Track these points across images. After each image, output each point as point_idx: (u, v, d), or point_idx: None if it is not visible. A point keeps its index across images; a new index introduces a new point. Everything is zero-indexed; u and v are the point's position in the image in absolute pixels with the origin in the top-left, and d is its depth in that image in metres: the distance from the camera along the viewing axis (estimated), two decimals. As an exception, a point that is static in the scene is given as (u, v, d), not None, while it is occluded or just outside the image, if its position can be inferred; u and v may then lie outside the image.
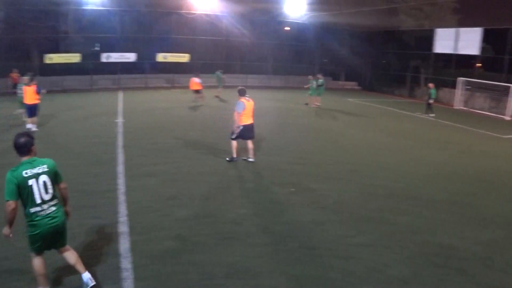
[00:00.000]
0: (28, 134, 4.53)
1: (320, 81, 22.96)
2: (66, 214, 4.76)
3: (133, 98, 22.77)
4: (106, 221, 6.64)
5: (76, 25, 28.85)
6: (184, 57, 29.23)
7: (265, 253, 5.89)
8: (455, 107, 28.29)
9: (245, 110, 10.01)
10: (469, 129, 19.17)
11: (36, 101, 13.40)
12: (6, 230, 4.34)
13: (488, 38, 27.92)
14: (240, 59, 33.29)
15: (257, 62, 33.49)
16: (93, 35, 27.34)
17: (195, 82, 21.26)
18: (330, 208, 7.75)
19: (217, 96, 24.01)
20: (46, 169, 4.44)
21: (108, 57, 26.80)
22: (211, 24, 30.02)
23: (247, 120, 10.18)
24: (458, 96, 28.72)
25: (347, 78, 37.85)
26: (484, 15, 25.31)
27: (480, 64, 30.65)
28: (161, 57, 28.33)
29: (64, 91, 25.07)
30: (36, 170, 4.37)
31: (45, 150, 10.79)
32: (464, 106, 28.45)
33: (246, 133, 10.26)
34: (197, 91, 21.22)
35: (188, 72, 30.08)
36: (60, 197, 4.69)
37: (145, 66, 28.75)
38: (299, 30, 34.12)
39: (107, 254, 5.63)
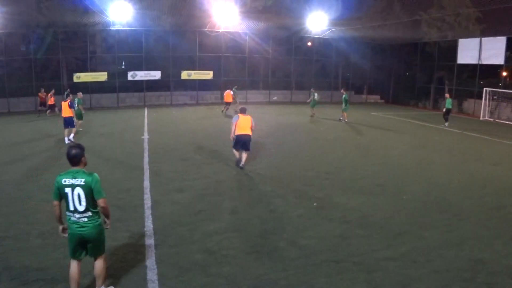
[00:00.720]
0: (80, 146, 4.90)
1: (344, 95, 22.84)
2: (105, 224, 5.06)
3: (158, 114, 23.27)
4: (136, 235, 6.85)
5: (104, 45, 29.88)
6: (208, 74, 29.76)
7: (291, 266, 5.96)
8: (481, 118, 27.81)
9: (238, 123, 11.41)
10: (497, 140, 18.83)
11: (70, 115, 14.86)
12: (59, 228, 4.93)
13: (512, 47, 27.48)
14: (263, 75, 33.64)
15: (280, 78, 33.78)
16: (120, 54, 28.23)
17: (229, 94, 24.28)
18: (358, 223, 7.77)
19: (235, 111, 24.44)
20: (82, 183, 4.69)
21: (134, 75, 27.55)
22: (234, 41, 30.54)
23: (241, 131, 11.44)
24: (484, 107, 28.24)
25: (370, 92, 37.73)
26: (507, 24, 24.97)
27: (506, 74, 30.12)
28: (185, 74, 28.91)
29: (92, 108, 25.83)
30: (74, 181, 4.70)
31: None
32: (491, 117, 27.95)
33: (240, 143, 11.51)
34: (228, 103, 23.83)
35: (213, 89, 30.68)
36: (99, 212, 4.91)
37: (170, 84, 29.37)
38: (322, 45, 34.32)
39: (134, 267, 5.81)
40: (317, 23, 29.59)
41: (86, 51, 26.96)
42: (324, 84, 34.08)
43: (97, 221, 4.87)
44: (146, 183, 9.82)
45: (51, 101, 22.31)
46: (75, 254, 4.92)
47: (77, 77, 26.13)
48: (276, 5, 28.05)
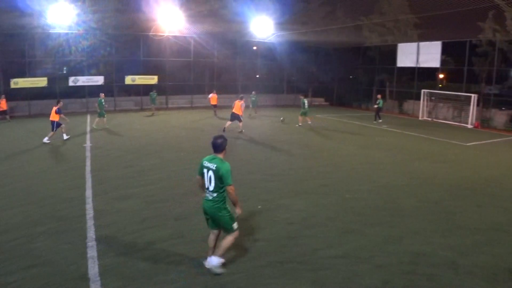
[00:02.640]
0: (224, 137, 5.95)
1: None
2: (234, 212, 5.86)
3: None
4: (78, 246, 6.58)
5: (44, 49, 28.48)
6: (152, 79, 29.19)
7: (238, 270, 5.96)
8: (420, 118, 29.17)
9: (234, 106, 18.50)
10: (435, 139, 19.81)
11: (56, 119, 15.93)
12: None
13: (447, 51, 29.12)
14: (209, 79, 33.46)
15: (226, 82, 33.76)
16: (60, 59, 27.00)
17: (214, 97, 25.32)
18: (303, 223, 7.88)
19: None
20: (214, 169, 5.63)
21: (75, 81, 26.54)
22: (179, 45, 30.16)
23: (234, 110, 18.36)
24: (423, 107, 29.67)
25: (315, 95, 38.56)
26: (443, 29, 26.40)
27: (442, 76, 31.88)
28: (129, 79, 28.22)
29: (31, 116, 24.63)
30: (209, 165, 5.69)
31: (14, 180, 10.68)
32: (429, 117, 29.40)
33: (232, 116, 18.44)
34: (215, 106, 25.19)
35: (158, 94, 30.11)
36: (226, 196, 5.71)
37: (114, 89, 28.55)
38: (267, 49, 34.64)
39: (77, 279, 5.59)
40: (262, 27, 29.86)
41: (25, 55, 25.63)
42: (270, 88, 34.40)
43: (218, 203, 5.70)
44: (89, 192, 9.46)
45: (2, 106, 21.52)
46: (208, 225, 5.99)
47: (14, 82, 24.76)
48: (221, 9, 27.96)
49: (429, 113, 29.82)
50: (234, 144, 16.20)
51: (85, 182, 10.30)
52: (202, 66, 32.50)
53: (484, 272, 6.22)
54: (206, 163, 5.75)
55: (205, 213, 5.88)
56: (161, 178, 10.87)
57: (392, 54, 32.28)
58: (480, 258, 6.72)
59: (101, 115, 19.92)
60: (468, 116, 26.69)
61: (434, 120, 28.83)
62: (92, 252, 6.38)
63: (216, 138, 5.90)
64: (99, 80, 27.38)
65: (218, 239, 6.03)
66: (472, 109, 26.37)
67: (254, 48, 35.10)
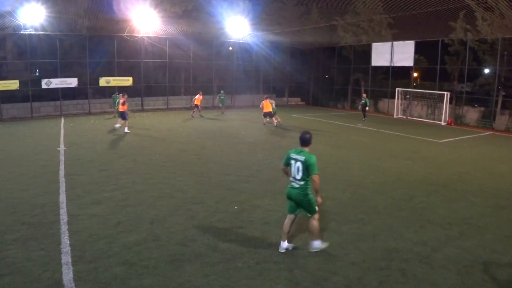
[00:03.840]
0: (310, 133, 6.68)
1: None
2: (316, 200, 6.50)
3: (76, 124, 22.14)
4: (51, 253, 6.44)
5: (15, 50, 27.84)
6: (127, 81, 28.84)
7: (213, 272, 5.94)
8: (395, 116, 29.66)
9: (263, 106, 21.86)
10: (409, 136, 20.18)
11: (125, 110, 18.85)
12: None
13: (420, 50, 29.72)
14: (185, 80, 33.25)
15: (202, 83, 33.61)
16: (33, 61, 26.37)
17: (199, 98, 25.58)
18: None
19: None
20: (302, 160, 6.33)
21: (48, 83, 25.98)
22: (154, 46, 29.88)
23: (265, 109, 21.74)
24: (397, 106, 30.17)
25: (291, 94, 38.81)
26: (416, 29, 26.92)
27: (416, 75, 32.49)
28: (103, 81, 27.81)
29: (2, 120, 24.04)
30: (297, 157, 6.37)
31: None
32: (403, 115, 29.94)
33: (265, 115, 21.65)
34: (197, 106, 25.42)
35: (133, 95, 29.77)
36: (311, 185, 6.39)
37: (88, 91, 28.10)
38: (243, 50, 34.66)
39: (51, 286, 5.47)
40: (238, 27, 29.87)
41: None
42: (246, 89, 34.43)
43: (304, 190, 6.41)
44: (62, 197, 9.27)
45: None
46: (288, 210, 6.66)
47: (-17, 86, 24.13)
48: (196, 10, 27.79)
49: (404, 111, 30.38)
50: (206, 146, 16.18)
51: (58, 187, 10.09)
52: (177, 67, 32.27)
53: (457, 265, 6.37)
54: (294, 155, 6.45)
55: (290, 198, 6.56)
56: (135, 181, 10.74)
57: (366, 53, 32.76)
58: (453, 252, 6.88)
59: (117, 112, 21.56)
60: (441, 114, 27.29)
61: (409, 118, 29.37)
62: (66, 258, 6.26)
63: (304, 133, 6.63)
64: (72, 82, 26.88)
65: (292, 224, 6.75)
66: (445, 106, 26.98)
67: (230, 48, 35.07)
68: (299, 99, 39.34)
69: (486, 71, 27.88)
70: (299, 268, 6.13)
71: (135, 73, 29.51)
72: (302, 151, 6.43)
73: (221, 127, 21.52)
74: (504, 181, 12.23)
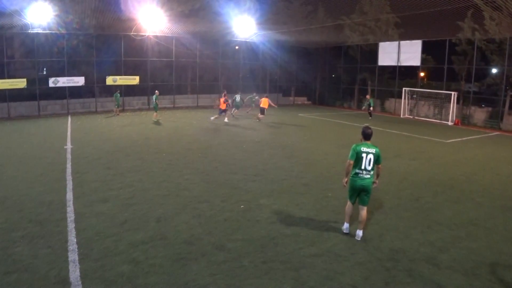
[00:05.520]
0: (370, 128, 7.39)
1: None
2: (375, 183, 7.29)
3: (82, 123, 22.27)
4: (58, 250, 6.48)
5: (22, 49, 28.01)
6: (134, 80, 28.93)
7: (219, 270, 5.95)
8: (402, 116, 29.53)
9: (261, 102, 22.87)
10: (416, 136, 20.07)
11: (223, 107, 22.09)
12: (344, 179, 7.38)
13: (428, 50, 29.57)
14: (191, 79, 33.29)
15: (208, 82, 33.65)
16: (40, 60, 26.52)
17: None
18: (284, 222, 7.92)
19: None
20: (374, 152, 7.05)
21: (55, 82, 26.13)
22: (160, 45, 29.95)
23: (263, 105, 22.67)
24: (404, 106, 30.04)
25: (297, 94, 38.74)
26: (423, 28, 26.79)
27: (423, 74, 32.33)
28: (110, 80, 27.91)
29: (10, 118, 24.20)
30: (369, 150, 7.05)
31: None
32: (410, 115, 29.81)
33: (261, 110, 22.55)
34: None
35: (139, 94, 29.88)
36: (376, 172, 7.22)
37: (95, 90, 28.22)
38: (249, 49, 34.66)
39: (58, 284, 5.50)
40: (244, 27, 29.86)
41: (3, 56, 25.13)
42: (252, 88, 34.42)
43: (372, 179, 7.16)
44: (69, 195, 9.32)
45: None
46: (351, 199, 7.34)
47: (-9, 84, 24.28)
48: (202, 9, 27.82)
49: (411, 111, 30.24)
50: (212, 145, 16.19)
51: (65, 185, 10.15)
52: (183, 66, 32.33)
53: (463, 266, 6.35)
54: (365, 149, 7.07)
55: (360, 188, 7.14)
56: (141, 179, 10.77)
57: (373, 53, 32.64)
58: (459, 253, 6.85)
59: (155, 109, 23.38)
60: (448, 114, 27.14)
61: (416, 118, 29.24)
62: (73, 256, 6.30)
63: (367, 128, 7.36)
64: (79, 81, 27.03)
65: (353, 211, 7.48)
66: (452, 106, 26.83)
67: (236, 47, 35.06)
68: (305, 98, 39.28)
69: (494, 71, 27.65)
70: (305, 267, 6.12)
71: (141, 72, 29.60)
72: (370, 145, 7.14)
73: (226, 126, 21.53)
74: (511, 182, 12.14)
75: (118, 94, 25.80)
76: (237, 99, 26.32)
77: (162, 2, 25.32)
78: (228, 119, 22.96)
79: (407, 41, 29.77)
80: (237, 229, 7.54)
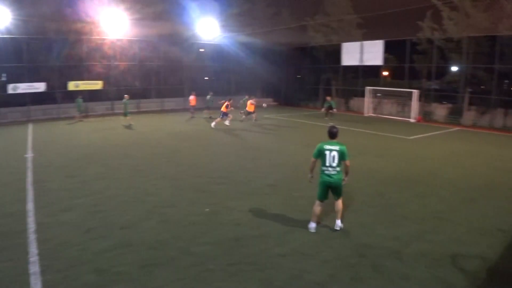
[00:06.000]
0: (336, 127, 7.72)
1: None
2: (343, 180, 7.49)
3: (44, 130, 21.61)
4: (19, 263, 6.27)
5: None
6: (97, 84, 28.29)
7: (186, 275, 5.91)
8: (365, 115, 30.11)
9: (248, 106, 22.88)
10: (380, 134, 20.50)
11: (225, 110, 22.18)
12: (308, 175, 7.75)
13: (389, 49, 30.28)
14: (155, 83, 32.83)
15: (173, 85, 33.25)
16: (-1, 65, 25.59)
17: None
18: (250, 224, 7.94)
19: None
20: (338, 149, 7.35)
21: (15, 88, 25.25)
22: (124, 49, 29.42)
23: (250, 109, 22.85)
24: (367, 104, 30.64)
25: (263, 95, 38.87)
26: (384, 29, 27.43)
27: (385, 73, 33.10)
28: (72, 85, 27.20)
29: (-33, 127, 23.24)
30: (332, 147, 7.37)
31: None
32: (374, 113, 30.41)
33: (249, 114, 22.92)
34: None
35: (103, 99, 29.23)
36: (343, 169, 7.44)
37: (57, 96, 27.42)
38: (214, 51, 34.50)
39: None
40: (209, 29, 29.78)
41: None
42: (218, 90, 34.33)
43: (340, 175, 7.45)
44: (30, 206, 9.01)
45: None
46: (319, 196, 7.58)
47: None
48: (166, 11, 27.60)
49: (374, 109, 30.88)
50: (178, 149, 16.06)
51: (26, 195, 9.82)
52: (148, 70, 31.79)
53: (428, 259, 6.54)
54: (328, 146, 7.40)
55: (328, 186, 7.47)
56: (106, 186, 10.55)
57: (336, 53, 33.15)
58: (424, 246, 7.06)
59: (126, 114, 23.14)
60: (411, 111, 27.85)
61: (379, 115, 29.86)
62: (34, 268, 6.10)
63: (332, 127, 7.70)
64: (40, 87, 26.18)
65: (322, 209, 7.72)
66: (414, 104, 27.56)
67: (201, 50, 34.87)
68: (271, 99, 39.47)
69: (453, 69, 28.62)
70: (272, 268, 6.15)
71: (105, 76, 28.98)
72: (334, 143, 7.46)
73: (193, 129, 21.39)
74: (473, 174, 12.58)
75: (81, 100, 25.13)
76: (209, 99, 26.44)
77: (125, 5, 24.98)
78: (229, 123, 22.69)
79: (370, 41, 30.38)
80: (204, 232, 7.50)
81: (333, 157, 7.33)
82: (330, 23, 31.02)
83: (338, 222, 7.68)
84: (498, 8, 20.67)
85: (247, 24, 30.08)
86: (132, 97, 27.91)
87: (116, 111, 28.92)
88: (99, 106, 29.20)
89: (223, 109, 22.48)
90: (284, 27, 29.90)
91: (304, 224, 7.88)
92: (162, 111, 30.95)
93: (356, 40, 31.06)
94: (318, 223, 7.79)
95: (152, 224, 7.88)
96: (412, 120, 27.35)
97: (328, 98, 25.59)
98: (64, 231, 7.52)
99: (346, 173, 7.52)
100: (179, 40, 31.65)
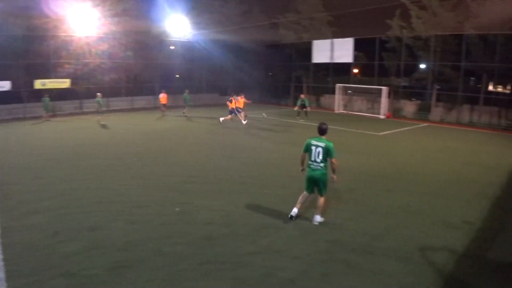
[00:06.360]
0: (326, 124, 7.93)
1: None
2: (332, 178, 7.71)
3: (9, 130, 20.94)
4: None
5: None
6: (65, 83, 27.58)
7: (157, 276, 5.83)
8: (336, 111, 30.47)
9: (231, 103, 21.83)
10: (350, 130, 20.79)
11: (233, 107, 22.27)
12: (300, 167, 8.07)
13: (359, 47, 30.73)
14: (125, 81, 32.28)
15: (144, 83, 32.77)
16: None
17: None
18: (221, 222, 7.91)
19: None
20: (323, 146, 7.57)
21: (-22, 88, 24.38)
22: (93, 46, 28.75)
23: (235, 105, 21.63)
24: (338, 101, 31.01)
25: (235, 93, 38.67)
26: (354, 27, 27.81)
27: (355, 71, 33.57)
28: (39, 83, 26.43)
29: None
30: (318, 143, 7.62)
31: None
32: (344, 110, 30.80)
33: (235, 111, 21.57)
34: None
35: (71, 98, 28.54)
36: (329, 166, 7.68)
37: (22, 95, 26.59)
38: (186, 48, 34.20)
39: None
40: (180, 26, 29.48)
41: None
42: (189, 88, 34.09)
43: (324, 170, 7.69)
44: (-5, 209, 8.74)
45: None
46: (306, 189, 7.95)
47: None
48: (136, 8, 27.18)
49: (345, 106, 31.27)
50: (148, 148, 15.85)
51: (-10, 197, 9.51)
52: (117, 68, 31.15)
53: (397, 252, 6.69)
54: (315, 142, 7.67)
55: (311, 179, 7.77)
56: (74, 188, 10.28)
57: (307, 51, 33.41)
58: (393, 240, 7.21)
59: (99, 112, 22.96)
60: (380, 108, 28.35)
61: (350, 112, 30.27)
62: (0, 273, 5.90)
63: (322, 124, 7.90)
64: (5, 85, 25.32)
65: (306, 200, 8.09)
66: (384, 100, 28.06)
67: (172, 47, 34.49)
68: (243, 96, 39.38)
69: (421, 66, 29.29)
70: (244, 266, 6.14)
71: (73, 74, 28.26)
72: (321, 139, 7.69)
73: (163, 128, 21.15)
74: (440, 169, 12.92)
75: (48, 99, 24.43)
76: (185, 97, 26.40)
77: (95, 1, 24.45)
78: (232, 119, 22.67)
79: (340, 39, 30.74)
80: (175, 232, 7.41)
81: (318, 153, 7.59)
82: (301, 21, 31.20)
83: (317, 217, 7.89)
84: (464, 8, 21.24)
85: (218, 21, 29.94)
86: (102, 95, 27.34)
87: (85, 110, 28.35)
88: (67, 105, 28.50)
89: (231, 105, 22.49)
90: (255, 25, 29.91)
91: (276, 221, 7.92)
92: (133, 110, 30.50)
93: (326, 38, 31.37)
94: (297, 216, 8.10)
95: (121, 225, 7.74)
96: (381, 117, 27.84)
97: (302, 96, 25.69)
98: (30, 235, 7.29)
99: (333, 170, 7.67)
100: (149, 37, 31.20)
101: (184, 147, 16.01)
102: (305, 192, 7.97)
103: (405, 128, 22.65)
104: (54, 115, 26.22)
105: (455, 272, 6.16)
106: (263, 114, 27.68)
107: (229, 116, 22.30)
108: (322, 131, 7.82)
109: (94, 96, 24.13)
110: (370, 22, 26.07)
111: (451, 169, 13.01)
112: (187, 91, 27.47)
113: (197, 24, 30.20)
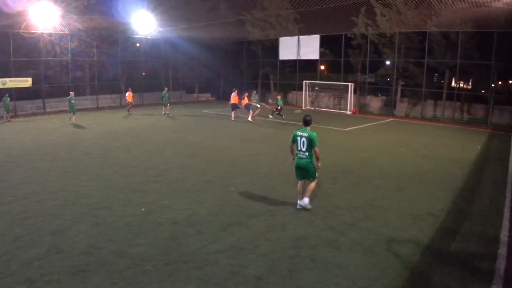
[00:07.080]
0: (309, 116, 8.51)
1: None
2: (317, 166, 8.43)
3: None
4: None
5: None
6: (26, 82, 26.68)
7: (121, 278, 5.72)
8: (303, 108, 30.76)
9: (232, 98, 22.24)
10: (316, 126, 20.91)
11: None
12: (291, 157, 8.71)
13: (326, 44, 31.11)
14: (89, 79, 31.52)
15: (109, 81, 32.09)
16: None
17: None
18: (187, 221, 7.84)
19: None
20: (307, 136, 8.20)
21: None
22: (55, 44, 27.91)
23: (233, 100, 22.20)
24: (305, 98, 31.30)
25: (201, 90, 38.62)
26: (320, 24, 28.09)
27: (322, 67, 33.94)
28: (-1, 83, 25.50)
29: None
30: (302, 134, 8.25)
31: None
32: (311, 106, 31.13)
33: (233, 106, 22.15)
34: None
35: (33, 98, 27.66)
36: (313, 154, 8.29)
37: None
38: (150, 46, 33.66)
39: None
40: (144, 23, 28.99)
41: None
42: (155, 86, 33.66)
43: (309, 159, 8.32)
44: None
45: None
46: (298, 177, 8.60)
47: None
48: (99, 4, 26.50)
49: (312, 103, 31.60)
50: (112, 148, 15.55)
51: None
52: (81, 66, 30.36)
53: (363, 246, 6.82)
54: (300, 133, 8.29)
55: (299, 167, 8.44)
56: (34, 191, 9.94)
57: (274, 48, 33.59)
58: (359, 233, 7.36)
59: (72, 112, 22.00)
60: (347, 104, 28.79)
61: (317, 108, 30.61)
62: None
63: (306, 116, 8.49)
64: (-39, 85, 24.35)
65: (304, 186, 8.56)
66: (350, 97, 28.53)
67: (137, 45, 33.92)
68: (209, 94, 39.30)
69: (386, 63, 29.92)
70: (209, 265, 6.11)
71: (34, 73, 27.37)
72: (305, 130, 8.28)
73: (128, 127, 20.78)
74: (404, 163, 13.26)
75: (8, 98, 23.56)
76: (164, 95, 25.84)
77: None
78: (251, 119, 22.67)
79: (306, 36, 31.04)
80: (139, 233, 7.30)
81: (303, 143, 8.22)
82: (267, 18, 31.26)
83: (305, 200, 8.50)
84: (427, 6, 21.79)
85: (184, 18, 29.58)
86: (64, 94, 26.61)
87: (48, 109, 27.54)
88: (29, 105, 27.61)
89: (243, 102, 22.54)
90: (222, 22, 29.74)
91: (241, 219, 7.94)
92: (98, 109, 29.84)
93: (293, 34, 31.56)
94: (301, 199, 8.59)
95: (84, 228, 7.55)
96: (348, 113, 28.29)
97: (278, 96, 25.52)
98: (-12, 241, 7.03)
99: (317, 159, 8.30)
100: (113, 34, 30.56)
101: (149, 146, 15.76)
102: (299, 180, 8.60)
103: (371, 124, 23.09)
104: (15, 116, 25.33)
105: (419, 264, 6.32)
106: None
107: (257, 111, 22.95)
108: (306, 122, 8.38)
109: (58, 95, 23.50)
110: (336, 19, 26.40)
111: (415, 163, 13.36)
112: (166, 88, 26.76)
113: (162, 21, 29.75)
